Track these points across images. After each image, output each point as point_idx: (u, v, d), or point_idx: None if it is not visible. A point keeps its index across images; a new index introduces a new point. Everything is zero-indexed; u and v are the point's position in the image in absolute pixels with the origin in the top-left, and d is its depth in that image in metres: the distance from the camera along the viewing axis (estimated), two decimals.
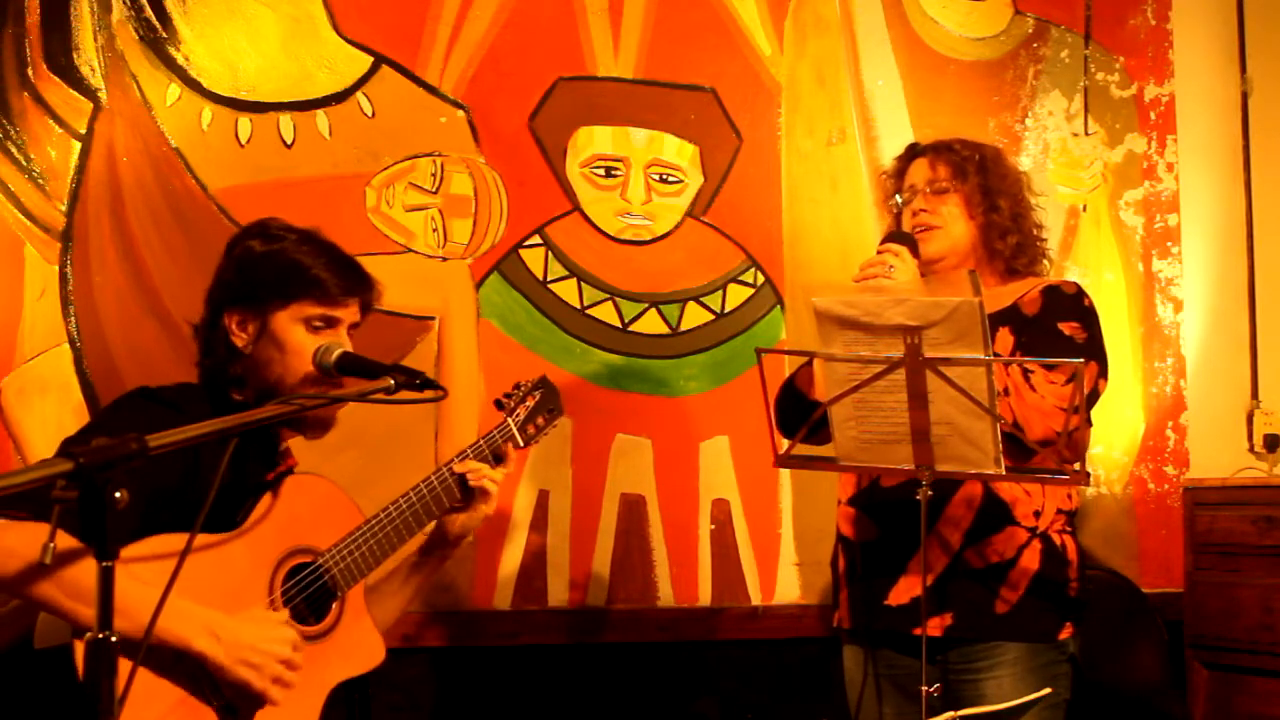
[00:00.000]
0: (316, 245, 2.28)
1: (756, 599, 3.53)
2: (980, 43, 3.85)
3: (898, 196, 2.79)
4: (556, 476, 3.43)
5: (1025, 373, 2.50)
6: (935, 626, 2.54)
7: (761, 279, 3.61)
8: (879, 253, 2.62)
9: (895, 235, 2.67)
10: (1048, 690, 2.44)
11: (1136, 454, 3.84)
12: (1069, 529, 2.65)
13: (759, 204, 3.63)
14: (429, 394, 2.12)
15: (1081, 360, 2.29)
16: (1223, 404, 3.92)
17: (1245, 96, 4.01)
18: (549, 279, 3.47)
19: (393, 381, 2.09)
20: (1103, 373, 2.61)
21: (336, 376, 2.20)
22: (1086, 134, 3.88)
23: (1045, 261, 2.81)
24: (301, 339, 2.22)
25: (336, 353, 2.20)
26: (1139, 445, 3.84)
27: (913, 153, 2.82)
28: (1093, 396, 2.59)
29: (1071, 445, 2.48)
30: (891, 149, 3.67)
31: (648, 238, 3.55)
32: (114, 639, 1.45)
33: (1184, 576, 3.67)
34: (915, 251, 2.62)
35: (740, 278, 3.59)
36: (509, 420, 2.43)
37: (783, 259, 3.62)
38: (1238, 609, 3.48)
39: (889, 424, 2.34)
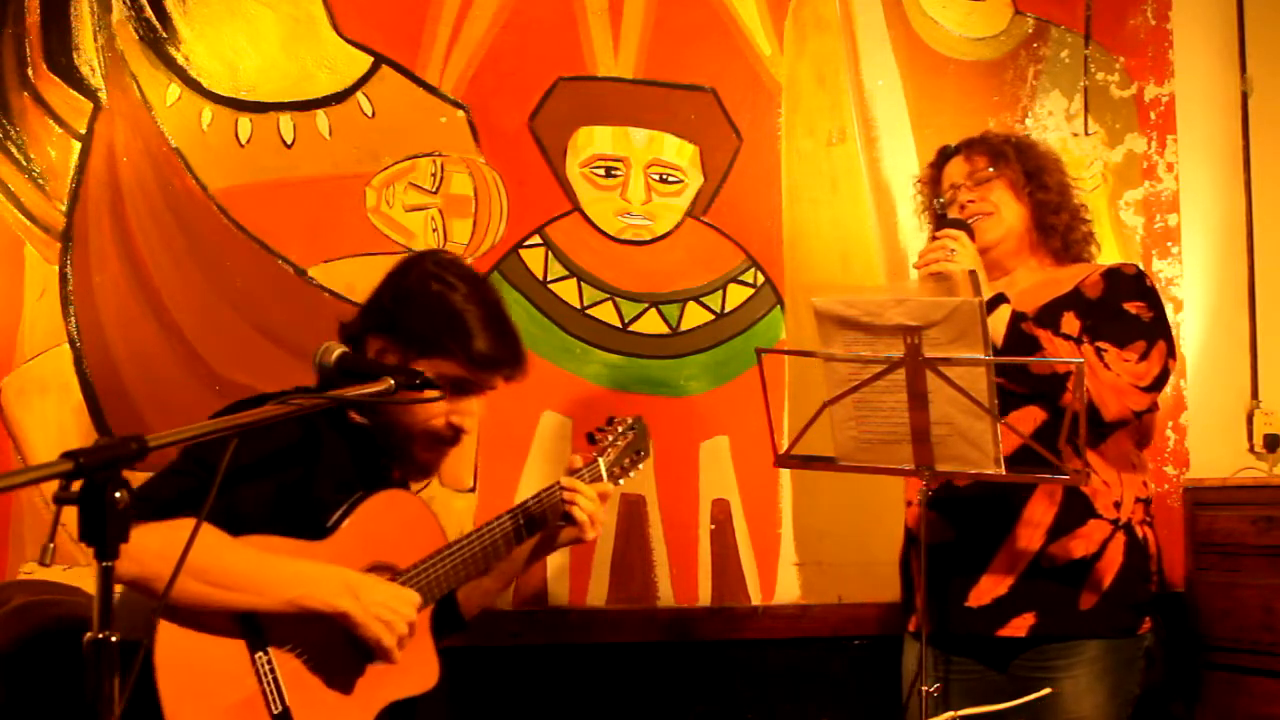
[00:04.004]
0: (486, 307, 2.28)
1: (756, 599, 3.52)
2: (980, 43, 3.84)
3: (938, 200, 2.79)
4: (556, 477, 3.41)
5: (1098, 352, 2.52)
6: (1020, 626, 2.55)
7: (761, 279, 3.60)
8: (934, 238, 2.63)
9: (950, 221, 2.67)
10: (1047, 690, 2.45)
11: None
12: (1148, 519, 2.65)
13: (759, 204, 3.62)
14: (428, 394, 2.12)
15: (1081, 361, 2.29)
16: (1223, 404, 3.92)
17: (1245, 96, 4.01)
18: (549, 279, 3.47)
19: (393, 382, 2.10)
20: (1171, 352, 2.61)
21: (336, 377, 2.20)
22: (1086, 134, 3.88)
23: (1094, 246, 2.82)
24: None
25: (336, 353, 2.20)
26: None
27: (945, 155, 2.84)
28: (1164, 375, 2.59)
29: (1141, 428, 2.52)
30: (892, 149, 3.69)
31: (648, 238, 3.54)
32: (114, 639, 1.45)
33: (1184, 576, 3.67)
34: (972, 236, 2.63)
35: (740, 278, 3.59)
36: (599, 460, 2.51)
37: (783, 259, 3.62)
38: (1238, 609, 3.48)
39: (889, 424, 2.34)
